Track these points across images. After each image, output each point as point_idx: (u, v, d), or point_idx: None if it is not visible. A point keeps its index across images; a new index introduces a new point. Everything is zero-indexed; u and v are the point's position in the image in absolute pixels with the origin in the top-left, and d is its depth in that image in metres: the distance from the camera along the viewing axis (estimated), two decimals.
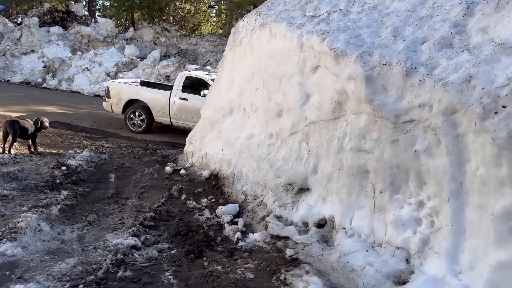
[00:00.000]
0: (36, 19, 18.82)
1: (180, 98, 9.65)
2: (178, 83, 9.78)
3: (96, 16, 20.34)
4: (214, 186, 5.47)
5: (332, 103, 3.92)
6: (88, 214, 4.34)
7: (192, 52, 18.37)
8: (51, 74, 16.81)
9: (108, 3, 26.49)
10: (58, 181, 5.27)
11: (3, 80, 16.65)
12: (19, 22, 19.79)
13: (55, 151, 7.45)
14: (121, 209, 4.64)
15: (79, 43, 18.89)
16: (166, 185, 5.68)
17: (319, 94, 4.17)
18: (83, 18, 20.81)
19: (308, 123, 4.28)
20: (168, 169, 6.37)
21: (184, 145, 7.49)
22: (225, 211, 4.49)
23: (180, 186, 5.41)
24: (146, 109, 10.01)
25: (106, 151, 7.99)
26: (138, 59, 17.59)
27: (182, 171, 6.31)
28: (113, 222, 4.21)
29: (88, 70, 16.85)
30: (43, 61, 17.36)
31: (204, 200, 5.00)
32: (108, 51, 17.81)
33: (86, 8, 23.51)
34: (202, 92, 9.22)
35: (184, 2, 21.62)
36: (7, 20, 18.83)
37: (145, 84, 11.57)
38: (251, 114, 5.51)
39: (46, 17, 19.93)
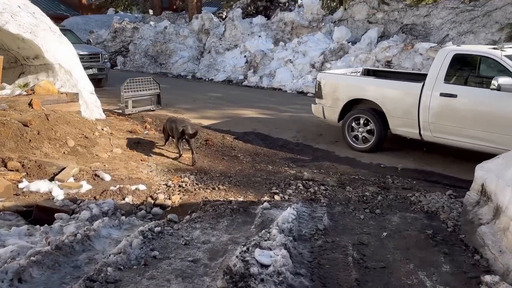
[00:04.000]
0: (239, 11, 17.48)
1: (443, 94, 5.46)
2: (438, 67, 5.59)
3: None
4: None
5: None
6: None
7: (422, 26, 13.60)
8: (252, 70, 14.96)
9: None
10: None
11: (207, 79, 15.74)
12: (224, 16, 19.03)
13: (240, 197, 4.44)
14: None
15: (281, 32, 16.64)
16: None
17: None
18: (287, 4, 18.57)
19: None
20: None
21: (457, 179, 3.52)
22: None
23: None
24: (376, 114, 6.23)
25: (320, 195, 4.57)
26: (349, 44, 14.01)
27: None
28: None
29: (291, 62, 14.24)
30: (245, 56, 15.74)
31: None
32: (314, 38, 14.84)
33: None
34: (495, 82, 4.83)
35: None
36: (212, 15, 18.14)
37: (369, 74, 7.81)
38: None
39: (249, 8, 18.54)
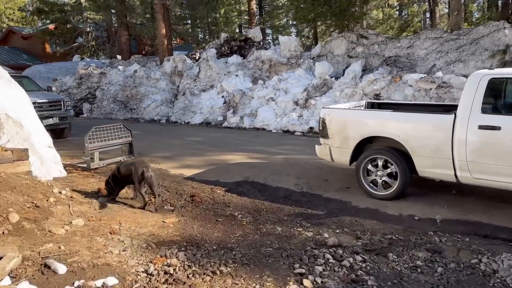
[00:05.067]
0: (213, 51, 16.71)
1: (483, 127, 4.51)
2: (472, 96, 4.66)
3: (279, 36, 17.16)
4: None
5: None
6: None
7: (406, 58, 13.12)
8: (231, 110, 13.96)
9: (283, 21, 23.89)
10: None
11: (183, 123, 14.56)
12: (197, 57, 18.21)
13: (256, 285, 3.15)
14: None
15: (259, 71, 15.87)
16: None
17: None
18: (261, 43, 18.03)
19: None
20: None
21: None
22: None
23: None
24: (398, 154, 5.20)
25: (361, 271, 3.36)
26: (333, 79, 13.32)
27: None
28: None
29: (273, 100, 13.36)
30: (222, 96, 14.78)
31: None
32: (294, 74, 14.11)
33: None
34: None
35: None
36: (185, 57, 17.29)
37: (373, 107, 6.91)
38: None
39: (223, 48, 17.83)
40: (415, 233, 4.27)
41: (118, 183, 5.37)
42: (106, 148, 7.72)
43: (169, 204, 5.43)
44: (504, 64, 10.40)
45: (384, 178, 5.37)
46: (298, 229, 4.46)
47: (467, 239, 4.08)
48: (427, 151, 4.94)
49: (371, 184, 5.50)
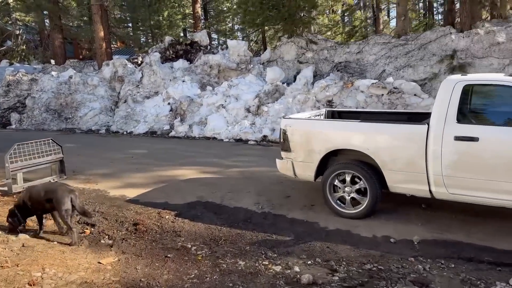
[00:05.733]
0: (157, 55, 15.68)
1: (459, 138, 4.15)
2: (446, 104, 4.30)
3: (227, 40, 16.49)
4: None
5: None
6: None
7: (355, 63, 13.03)
8: (179, 119, 13.07)
9: (230, 26, 23.29)
10: None
11: (125, 133, 13.42)
12: (139, 62, 17.09)
13: None
14: None
15: (207, 76, 15.11)
16: None
17: None
18: (208, 47, 17.28)
19: None
20: None
21: (497, 250, 2.12)
22: None
23: None
24: (367, 168, 4.74)
25: None
26: (284, 84, 12.91)
27: None
28: None
29: (223, 107, 12.67)
30: (168, 103, 13.83)
31: None
32: (245, 80, 13.53)
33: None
34: None
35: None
36: (126, 61, 16.09)
37: (334, 116, 6.48)
38: None
39: (168, 52, 16.85)
40: (395, 260, 3.79)
41: (28, 213, 4.46)
42: (32, 167, 6.62)
43: (107, 237, 4.55)
44: (452, 69, 10.56)
45: (352, 195, 4.88)
46: (264, 262, 3.81)
47: (453, 265, 3.66)
48: (399, 164, 4.52)
49: (338, 201, 4.99)
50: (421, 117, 5.74)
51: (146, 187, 6.46)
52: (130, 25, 28.03)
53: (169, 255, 4.01)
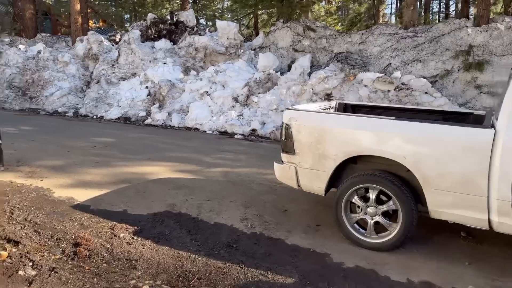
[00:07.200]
0: (137, 33, 14.07)
1: None
2: None
3: (216, 21, 14.96)
4: None
5: None
6: None
7: (358, 54, 11.76)
8: (157, 105, 11.59)
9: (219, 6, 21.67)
10: None
11: (95, 117, 11.85)
12: (117, 40, 15.45)
13: None
14: None
15: (192, 60, 13.60)
16: None
17: None
18: (195, 28, 15.73)
19: None
20: None
21: None
22: None
23: None
24: (401, 183, 3.45)
25: None
26: (278, 74, 11.56)
27: None
28: None
29: (208, 95, 11.24)
30: (146, 87, 12.30)
31: None
32: (234, 66, 12.10)
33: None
34: None
35: None
36: (102, 37, 14.42)
37: (346, 111, 5.20)
38: None
39: (150, 31, 15.23)
40: None
41: None
42: None
43: (30, 265, 3.15)
44: (468, 67, 9.40)
45: (377, 218, 3.60)
46: None
47: None
48: (449, 182, 3.24)
49: (355, 225, 3.71)
50: (460, 118, 4.51)
51: (103, 188, 5.04)
52: (113, 2, 26.15)
53: None
